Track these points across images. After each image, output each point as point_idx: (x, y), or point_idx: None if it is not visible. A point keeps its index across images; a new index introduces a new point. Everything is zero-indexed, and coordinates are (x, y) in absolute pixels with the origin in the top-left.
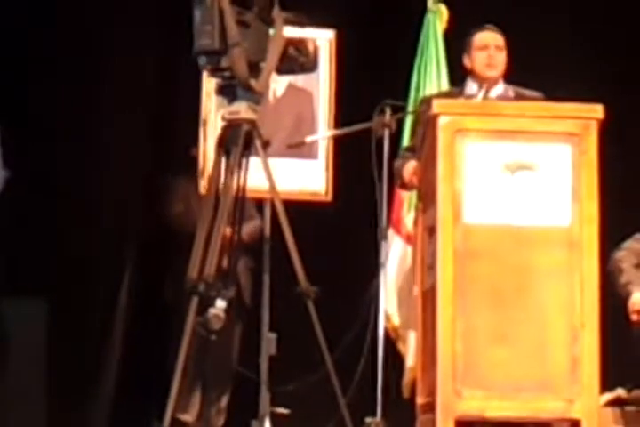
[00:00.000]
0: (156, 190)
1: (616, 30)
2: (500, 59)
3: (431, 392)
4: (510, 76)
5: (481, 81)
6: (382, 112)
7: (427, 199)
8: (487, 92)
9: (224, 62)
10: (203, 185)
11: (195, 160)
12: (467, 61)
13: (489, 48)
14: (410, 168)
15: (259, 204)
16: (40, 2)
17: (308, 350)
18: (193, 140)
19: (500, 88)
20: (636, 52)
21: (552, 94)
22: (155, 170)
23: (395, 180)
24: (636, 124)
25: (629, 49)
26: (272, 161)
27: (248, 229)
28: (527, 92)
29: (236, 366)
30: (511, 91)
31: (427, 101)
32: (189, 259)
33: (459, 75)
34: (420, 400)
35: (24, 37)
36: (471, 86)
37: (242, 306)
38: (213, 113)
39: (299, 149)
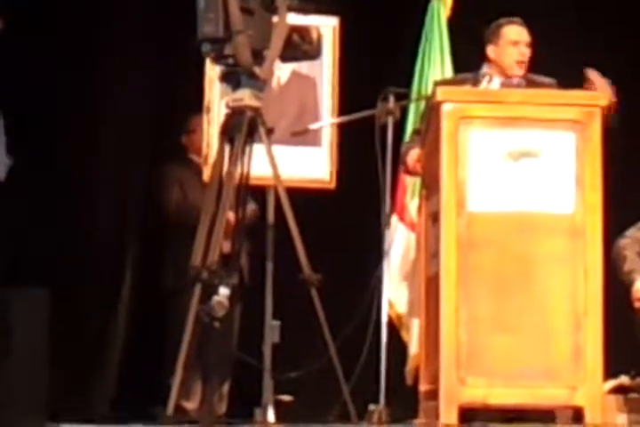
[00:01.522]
0: (158, 178)
1: (626, 19)
2: (528, 55)
3: (434, 380)
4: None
5: (501, 71)
6: (386, 99)
7: (430, 187)
8: (491, 80)
9: (228, 49)
10: (206, 172)
11: (184, 147)
12: (491, 52)
13: (520, 44)
14: (414, 155)
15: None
16: None
17: (311, 337)
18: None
19: (514, 79)
20: None
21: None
22: (157, 158)
23: (400, 165)
24: None
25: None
26: (276, 148)
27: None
28: (539, 79)
29: (237, 352)
30: (523, 80)
31: (440, 85)
32: (189, 246)
33: (462, 62)
34: (423, 388)
35: (23, 21)
36: (484, 72)
37: (241, 287)
38: (217, 100)
39: (302, 136)
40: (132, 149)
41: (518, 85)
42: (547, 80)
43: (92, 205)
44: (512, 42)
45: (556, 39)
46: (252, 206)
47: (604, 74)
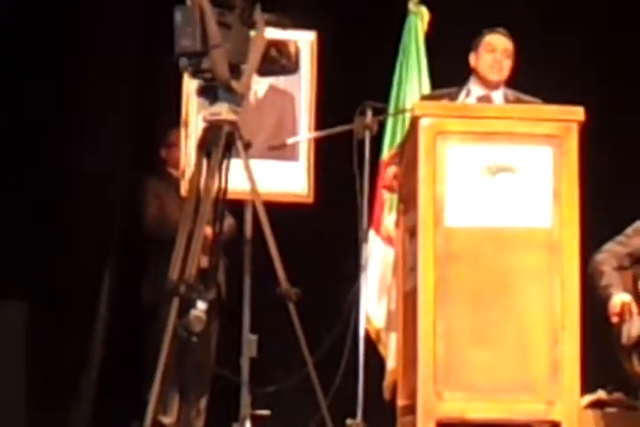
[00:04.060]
0: (137, 192)
1: (602, 31)
2: (506, 64)
3: (412, 394)
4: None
5: (483, 82)
6: (363, 114)
7: (408, 201)
8: (469, 94)
9: (205, 64)
10: (183, 187)
11: (163, 161)
12: (472, 60)
13: (496, 51)
14: (390, 173)
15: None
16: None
17: (288, 352)
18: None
19: (498, 92)
20: (620, 55)
21: (540, 96)
22: (136, 172)
23: (377, 179)
24: (617, 125)
25: (614, 51)
26: (253, 162)
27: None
28: (525, 97)
29: (215, 366)
30: (510, 95)
31: (426, 99)
32: (167, 260)
33: (440, 76)
34: (400, 402)
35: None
36: (471, 86)
37: (219, 302)
38: (194, 114)
39: (280, 150)
40: (110, 163)
41: (505, 97)
42: (532, 99)
43: (70, 219)
44: (488, 48)
45: (534, 52)
46: (229, 221)
47: (575, 87)
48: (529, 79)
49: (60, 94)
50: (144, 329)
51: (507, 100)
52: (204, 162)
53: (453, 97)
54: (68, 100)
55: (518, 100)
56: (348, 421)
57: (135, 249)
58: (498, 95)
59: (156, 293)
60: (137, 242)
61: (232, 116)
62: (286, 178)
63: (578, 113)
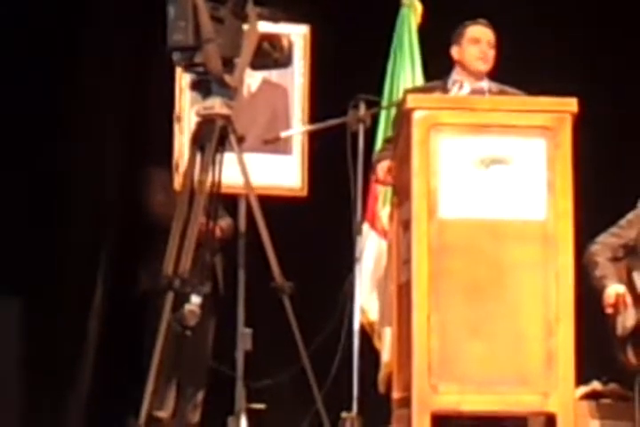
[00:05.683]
0: (130, 188)
1: (589, 26)
2: (491, 54)
3: (407, 387)
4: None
5: (469, 73)
6: (357, 107)
7: (402, 194)
8: (461, 87)
9: (198, 58)
10: (177, 181)
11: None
12: (455, 52)
13: (481, 42)
14: (384, 166)
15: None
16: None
17: (283, 345)
18: (167, 136)
19: (483, 84)
20: (615, 46)
21: (526, 89)
22: (129, 167)
23: (370, 173)
24: (611, 117)
25: (610, 42)
26: (247, 156)
27: (221, 225)
28: (510, 90)
29: (211, 361)
30: (494, 87)
31: (411, 93)
32: (163, 255)
33: (433, 69)
34: (395, 395)
35: None
36: (454, 79)
37: (217, 298)
38: (187, 109)
39: (274, 144)
40: (106, 154)
41: (489, 90)
42: (516, 91)
43: (67, 210)
44: (473, 40)
45: (523, 45)
46: (227, 221)
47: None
48: (522, 70)
49: (58, 92)
50: (141, 322)
51: (491, 93)
52: (198, 156)
53: (449, 88)
54: (64, 98)
55: (502, 93)
56: (344, 414)
57: (133, 241)
58: (479, 86)
59: (154, 284)
60: (135, 233)
61: (225, 110)
62: (280, 171)
63: (571, 104)
